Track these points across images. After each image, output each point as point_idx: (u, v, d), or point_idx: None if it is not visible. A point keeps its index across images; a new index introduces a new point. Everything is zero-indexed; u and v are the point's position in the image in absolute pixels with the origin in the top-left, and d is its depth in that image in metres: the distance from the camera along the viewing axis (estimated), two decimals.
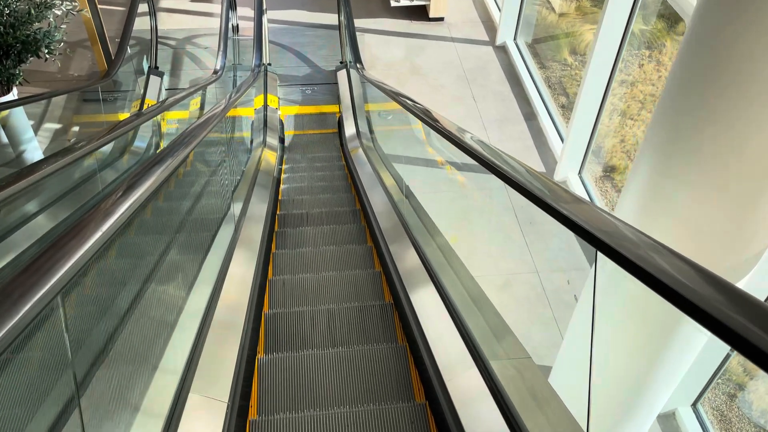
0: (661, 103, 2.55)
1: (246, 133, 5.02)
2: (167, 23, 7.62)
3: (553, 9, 8.39)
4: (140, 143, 5.15)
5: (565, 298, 4.78)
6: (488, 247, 5.18)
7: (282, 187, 4.44)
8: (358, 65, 5.22)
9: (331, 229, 3.51)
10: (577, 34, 8.07)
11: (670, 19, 7.87)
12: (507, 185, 1.79)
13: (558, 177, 5.75)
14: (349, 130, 5.54)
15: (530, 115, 6.53)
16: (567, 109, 7.12)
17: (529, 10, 7.47)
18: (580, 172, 5.71)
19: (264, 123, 5.64)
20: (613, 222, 1.14)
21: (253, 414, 2.18)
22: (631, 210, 2.79)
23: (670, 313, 0.87)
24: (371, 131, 5.62)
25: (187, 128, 2.48)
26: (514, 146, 6.14)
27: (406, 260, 2.84)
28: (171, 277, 2.06)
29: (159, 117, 6.01)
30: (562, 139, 6.16)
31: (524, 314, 4.68)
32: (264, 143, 5.19)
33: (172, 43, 7.30)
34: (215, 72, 5.03)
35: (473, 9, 8.12)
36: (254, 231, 3.14)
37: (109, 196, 1.30)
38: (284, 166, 4.98)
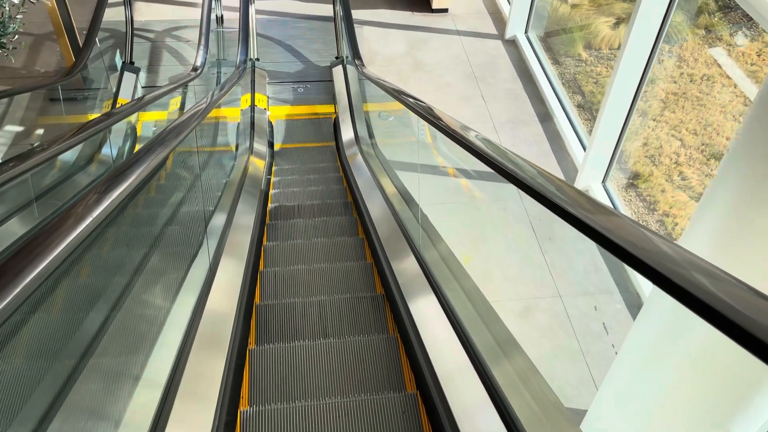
0: (751, 119, 2.02)
1: (229, 147, 4.46)
2: (145, 14, 7.03)
3: (565, 0, 7.85)
4: (110, 150, 4.57)
5: (593, 327, 4.27)
6: (504, 268, 4.65)
7: (270, 206, 3.89)
8: (356, 61, 4.67)
9: (328, 270, 2.96)
10: (592, 27, 7.55)
11: (690, 11, 7.33)
12: (538, 203, 1.39)
13: (579, 186, 5.22)
14: (347, 134, 4.99)
15: (545, 116, 6.00)
16: (583, 108, 6.60)
17: (540, 1, 6.94)
18: (603, 181, 5.19)
19: (251, 126, 5.09)
20: (683, 253, 0.86)
21: (244, 405, 2.18)
22: (705, 243, 2.26)
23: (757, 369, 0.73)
24: (371, 135, 5.07)
25: (151, 143, 1.94)
26: (529, 151, 5.61)
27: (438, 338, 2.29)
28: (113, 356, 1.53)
29: (133, 118, 5.45)
30: (581, 143, 5.64)
31: (547, 346, 4.16)
32: (251, 150, 4.63)
33: (151, 36, 6.72)
34: (195, 69, 4.46)
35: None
36: (233, 272, 2.59)
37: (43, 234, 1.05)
38: (273, 178, 4.43)
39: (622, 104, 4.60)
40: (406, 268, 2.66)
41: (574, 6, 7.85)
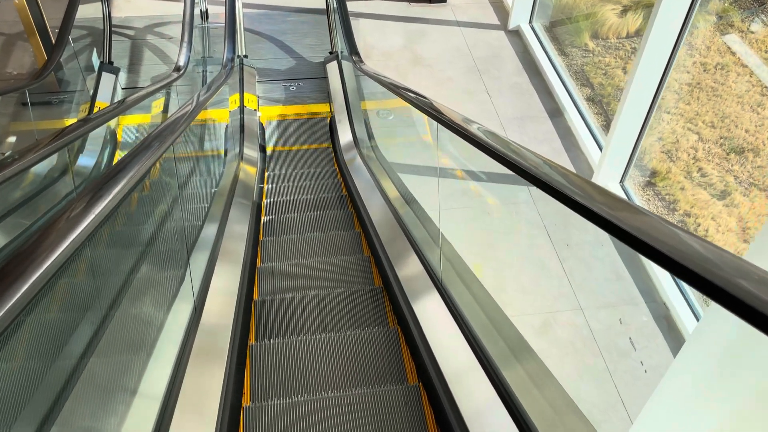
0: None
1: (217, 153, 4.10)
2: (125, 10, 6.63)
3: None
4: (87, 160, 4.20)
5: (620, 343, 3.94)
6: (519, 279, 4.32)
7: (264, 219, 3.53)
8: (354, 57, 4.31)
9: (330, 297, 2.61)
10: (598, 16, 7.21)
11: None
12: (570, 209, 1.14)
13: None
14: (344, 136, 4.63)
15: (555, 112, 5.66)
16: (593, 102, 6.27)
17: None
18: (622, 181, 4.85)
19: (240, 129, 4.72)
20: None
21: (246, 401, 2.15)
22: None
23: None
24: (370, 136, 4.72)
25: (134, 152, 1.60)
26: (540, 149, 5.26)
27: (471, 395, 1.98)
28: None
29: (113, 123, 5.07)
30: (595, 139, 5.30)
31: (570, 365, 3.83)
32: (240, 156, 4.26)
33: (131, 33, 6.32)
34: (177, 69, 4.09)
35: None
36: (224, 314, 2.23)
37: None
38: (266, 186, 4.07)
39: (644, 98, 4.27)
40: (426, 309, 2.31)
41: None
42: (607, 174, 4.81)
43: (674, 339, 3.97)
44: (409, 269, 2.60)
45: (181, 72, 4.04)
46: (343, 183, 4.03)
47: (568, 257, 4.49)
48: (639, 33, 7.03)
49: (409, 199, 3.20)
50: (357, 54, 4.41)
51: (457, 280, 2.32)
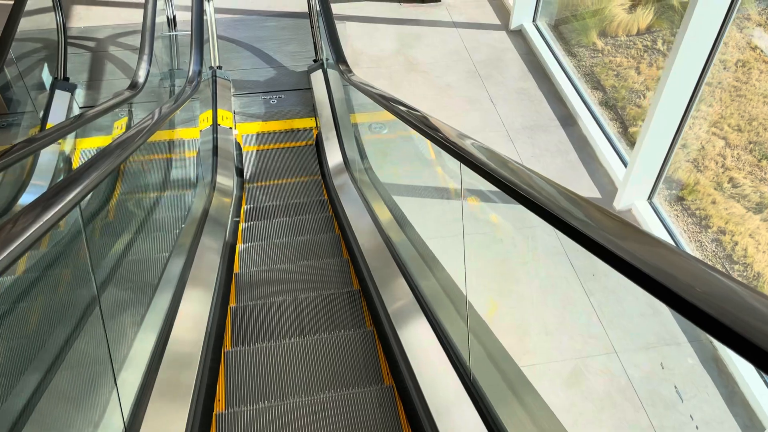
0: None
1: (180, 184, 3.54)
2: (85, 19, 6.05)
3: None
4: (31, 197, 3.60)
5: (663, 392, 3.39)
6: (542, 317, 3.76)
7: (235, 272, 2.94)
8: (341, 66, 3.75)
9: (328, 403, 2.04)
10: (605, 12, 6.70)
11: None
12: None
13: (621, 205, 4.35)
14: (333, 157, 4.07)
15: (568, 119, 5.12)
16: (606, 106, 5.74)
17: None
18: (650, 198, 4.31)
19: (213, 153, 4.14)
20: None
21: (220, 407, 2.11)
22: None
23: None
24: (362, 155, 4.15)
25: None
26: (554, 163, 4.73)
27: None
28: None
29: (68, 147, 4.48)
30: (615, 150, 4.77)
31: (608, 422, 3.27)
32: (213, 185, 3.68)
33: (91, 44, 5.74)
34: (133, 86, 3.51)
35: None
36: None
37: None
38: (242, 224, 3.49)
39: (677, 106, 3.73)
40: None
41: None
42: (634, 190, 4.28)
43: (726, 386, 3.43)
44: (427, 366, 2.02)
45: (138, 89, 3.46)
46: (334, 218, 3.45)
47: (595, 289, 3.95)
48: (650, 29, 6.53)
49: (414, 240, 2.64)
50: (344, 62, 3.86)
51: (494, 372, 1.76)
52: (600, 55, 6.39)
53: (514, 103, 5.28)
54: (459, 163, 2.20)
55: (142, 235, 2.82)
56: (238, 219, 3.63)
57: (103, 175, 1.62)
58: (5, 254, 0.96)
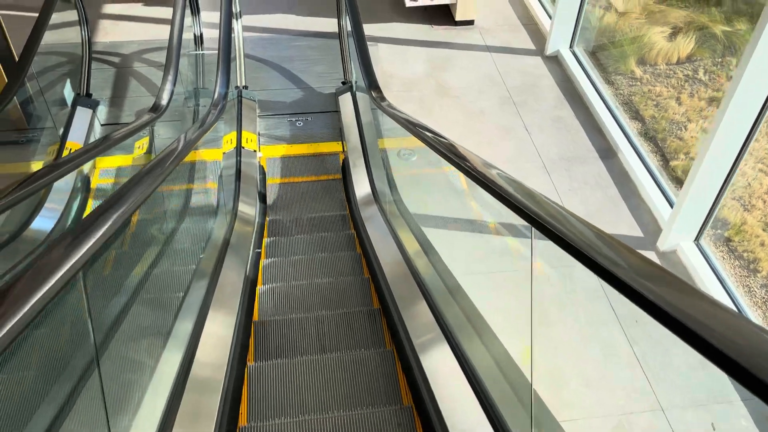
0: None
1: (206, 206, 3.37)
2: (112, 34, 5.97)
3: (609, 7, 6.79)
4: (45, 221, 3.44)
5: None
6: (581, 367, 3.51)
7: (255, 321, 2.74)
8: (373, 92, 3.56)
9: None
10: (645, 39, 6.47)
11: (755, 16, 6.28)
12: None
13: (665, 245, 4.09)
14: (361, 187, 3.88)
15: (607, 151, 4.89)
16: (646, 138, 5.49)
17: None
18: (697, 239, 4.05)
19: (236, 177, 3.97)
20: None
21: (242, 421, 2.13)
22: None
23: None
24: (392, 185, 3.95)
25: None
26: (593, 197, 4.49)
27: None
28: None
29: (87, 168, 4.34)
30: (659, 186, 4.52)
31: None
32: (234, 213, 3.50)
33: (116, 60, 5.64)
34: (155, 109, 3.35)
35: (509, 8, 6.51)
36: None
37: None
38: (264, 261, 3.29)
39: (732, 144, 3.49)
40: None
41: (621, 15, 6.78)
42: (680, 231, 4.02)
43: None
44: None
45: (161, 111, 3.30)
46: (363, 257, 3.23)
47: (638, 337, 3.68)
48: (691, 58, 6.29)
49: (452, 287, 2.42)
50: (377, 88, 3.67)
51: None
52: (638, 83, 6.16)
53: (550, 132, 5.06)
54: (508, 209, 1.99)
55: (155, 271, 2.63)
56: (259, 251, 3.44)
57: (131, 209, 1.50)
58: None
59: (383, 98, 3.46)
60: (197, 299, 2.58)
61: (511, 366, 2.23)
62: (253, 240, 3.44)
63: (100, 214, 1.40)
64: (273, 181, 4.43)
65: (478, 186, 3.83)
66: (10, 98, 3.72)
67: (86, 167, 4.41)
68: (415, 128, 2.50)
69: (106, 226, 1.32)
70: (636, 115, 5.78)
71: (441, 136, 2.42)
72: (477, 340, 2.43)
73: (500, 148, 4.88)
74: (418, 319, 2.42)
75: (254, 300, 2.87)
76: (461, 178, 4.39)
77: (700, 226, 3.99)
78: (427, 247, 2.86)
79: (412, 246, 2.90)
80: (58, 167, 2.60)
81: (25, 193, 2.31)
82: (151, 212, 2.94)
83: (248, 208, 3.68)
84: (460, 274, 3.09)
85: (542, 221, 1.35)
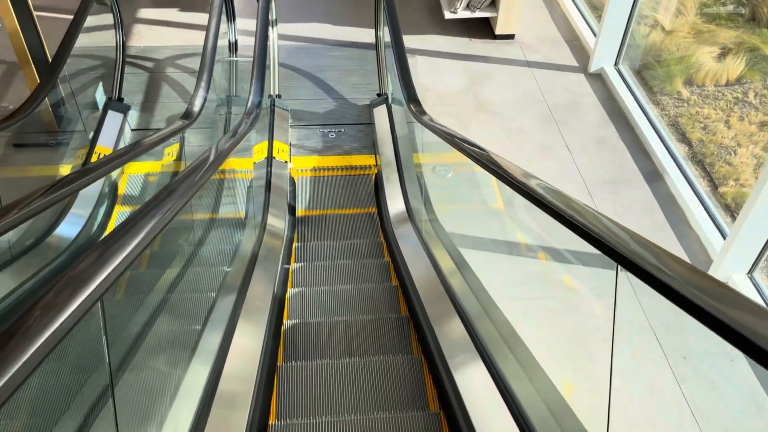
0: None
1: (235, 215, 3.25)
2: (146, 38, 5.93)
3: (655, 25, 6.58)
4: (70, 227, 3.35)
5: None
6: (624, 405, 3.28)
7: (286, 325, 2.59)
8: (412, 106, 3.41)
9: None
10: (692, 59, 6.24)
11: None
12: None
13: (717, 277, 3.83)
14: (394, 203, 3.72)
15: (653, 175, 4.66)
16: (693, 162, 5.25)
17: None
18: (751, 271, 3.80)
19: (266, 188, 3.84)
20: None
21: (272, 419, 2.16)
22: None
23: None
24: (427, 204, 3.78)
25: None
26: (639, 223, 4.27)
27: None
28: None
29: (115, 173, 4.26)
30: (709, 213, 4.28)
31: None
32: (263, 226, 3.37)
33: (150, 65, 5.59)
34: (187, 115, 3.24)
35: (551, 23, 6.33)
36: None
37: None
38: (292, 277, 3.14)
39: None
40: None
41: (667, 33, 6.56)
42: (732, 262, 3.78)
43: None
44: None
45: (193, 118, 3.19)
46: (399, 287, 3.04)
47: (686, 375, 3.44)
48: (741, 81, 6.04)
49: (498, 322, 2.24)
50: (416, 101, 3.52)
51: None
52: (685, 104, 5.93)
53: (593, 153, 4.85)
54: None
55: (179, 285, 2.50)
56: (288, 266, 3.30)
57: (157, 229, 1.40)
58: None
59: (423, 112, 3.30)
60: (222, 317, 2.44)
61: (553, 395, 2.06)
62: (281, 255, 3.30)
63: (126, 232, 1.30)
64: (302, 194, 4.30)
65: (514, 204, 3.62)
66: (41, 99, 3.66)
67: (114, 172, 4.34)
68: (463, 145, 2.33)
69: (132, 245, 1.27)
70: (682, 138, 5.54)
71: (494, 156, 2.25)
72: (519, 371, 2.25)
73: (541, 168, 4.69)
74: (470, 382, 2.24)
75: (282, 318, 2.72)
76: (498, 197, 4.22)
77: (755, 258, 3.74)
78: (469, 275, 2.68)
79: (457, 282, 2.70)
80: (86, 173, 2.49)
81: (51, 199, 2.21)
82: (178, 226, 2.82)
83: (277, 221, 3.55)
84: (498, 298, 2.91)
85: (635, 262, 1.17)
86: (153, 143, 2.81)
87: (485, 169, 2.14)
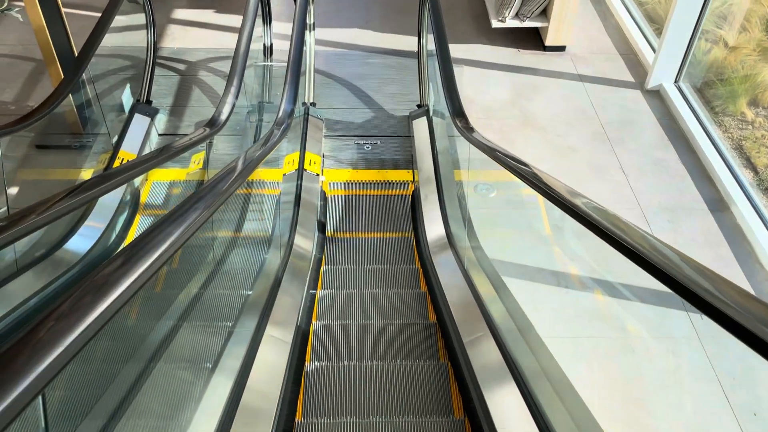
0: None
1: (261, 235, 2.99)
2: (180, 40, 5.76)
3: (717, 41, 6.15)
4: (81, 242, 3.12)
5: None
6: None
7: (309, 367, 2.29)
8: (458, 121, 3.10)
9: None
10: (758, 78, 5.80)
11: None
12: None
13: None
14: (433, 227, 3.42)
15: (718, 203, 4.26)
16: (760, 190, 4.82)
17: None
18: None
19: (295, 204, 3.58)
20: None
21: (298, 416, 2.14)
22: None
23: None
24: (468, 226, 3.46)
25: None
26: (702, 256, 3.87)
27: None
28: None
29: (138, 180, 4.05)
30: None
31: None
32: (290, 247, 3.09)
33: (182, 67, 5.40)
34: (212, 123, 2.99)
35: (605, 35, 5.97)
36: None
37: None
38: (317, 312, 2.85)
39: None
40: None
41: (731, 49, 6.13)
42: None
43: None
44: None
45: (219, 126, 2.94)
46: (439, 331, 2.72)
47: None
48: None
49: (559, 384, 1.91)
50: (462, 115, 3.22)
51: None
52: (750, 127, 5.50)
53: (650, 177, 4.47)
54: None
55: (193, 312, 2.23)
56: (314, 292, 3.01)
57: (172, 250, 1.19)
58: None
59: (471, 128, 2.99)
60: (235, 357, 2.16)
61: None
62: (308, 279, 3.02)
63: (129, 258, 1.11)
64: (333, 211, 4.02)
65: (564, 230, 3.27)
66: (63, 97, 3.45)
67: (137, 180, 4.13)
68: (521, 169, 2.02)
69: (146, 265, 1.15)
70: (747, 163, 5.11)
71: (556, 182, 1.93)
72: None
73: (592, 190, 4.33)
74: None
75: (306, 352, 2.42)
76: (545, 221, 3.87)
77: None
78: (521, 320, 2.35)
79: (513, 340, 2.37)
80: (106, 180, 2.26)
81: (66, 208, 1.98)
82: (196, 244, 2.57)
83: (305, 241, 3.27)
84: (545, 336, 2.58)
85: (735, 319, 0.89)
86: (175, 152, 2.57)
87: (556, 205, 1.82)
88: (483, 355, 2.21)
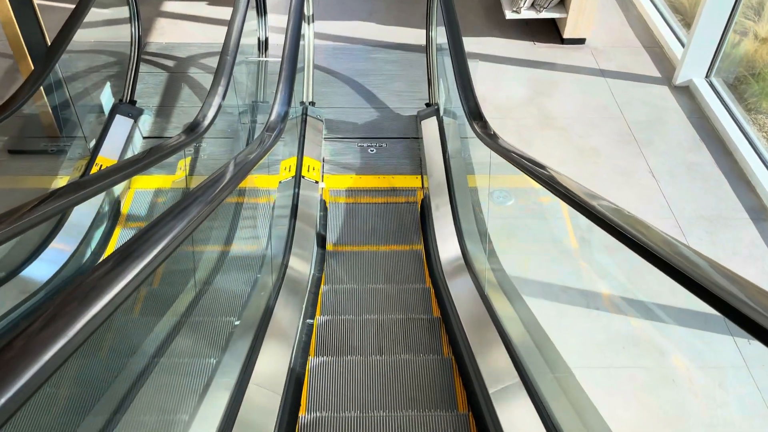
0: None
1: (250, 249, 2.65)
2: (169, 34, 5.39)
3: (746, 33, 5.74)
4: (45, 267, 2.76)
5: None
6: None
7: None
8: (476, 124, 2.72)
9: None
10: None
11: None
12: None
13: None
14: (447, 246, 3.05)
15: (760, 212, 3.88)
16: None
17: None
18: None
19: (291, 215, 3.20)
20: None
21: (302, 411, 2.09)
22: None
23: None
24: (484, 239, 3.09)
25: None
26: (744, 272, 3.44)
27: None
28: None
29: (118, 189, 3.69)
30: None
31: None
32: (284, 266, 2.72)
33: (170, 63, 5.03)
34: (194, 127, 2.62)
35: (627, 27, 5.57)
36: None
37: None
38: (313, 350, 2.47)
39: None
40: None
41: (763, 41, 5.72)
42: None
43: None
44: None
45: (200, 132, 2.56)
46: (454, 360, 2.34)
47: None
48: None
49: None
50: (479, 116, 2.83)
51: None
52: None
53: (683, 182, 4.08)
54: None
55: (167, 349, 1.87)
56: (311, 321, 2.64)
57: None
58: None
59: (490, 132, 2.61)
60: (216, 405, 1.80)
61: None
62: (304, 307, 2.65)
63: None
64: (333, 222, 3.65)
65: (592, 244, 2.89)
66: (32, 92, 3.08)
67: (118, 188, 3.76)
68: (565, 190, 1.64)
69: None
70: None
71: (599, 199, 1.56)
72: None
73: (620, 196, 3.94)
74: None
75: (298, 411, 2.05)
76: (570, 233, 3.49)
77: None
78: (554, 358, 1.97)
79: (550, 392, 1.98)
80: (76, 190, 1.91)
81: (28, 222, 1.64)
82: (175, 269, 2.20)
83: (302, 264, 2.89)
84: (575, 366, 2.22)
85: None
86: (156, 158, 2.20)
87: (598, 225, 1.45)
88: (513, 411, 1.84)
